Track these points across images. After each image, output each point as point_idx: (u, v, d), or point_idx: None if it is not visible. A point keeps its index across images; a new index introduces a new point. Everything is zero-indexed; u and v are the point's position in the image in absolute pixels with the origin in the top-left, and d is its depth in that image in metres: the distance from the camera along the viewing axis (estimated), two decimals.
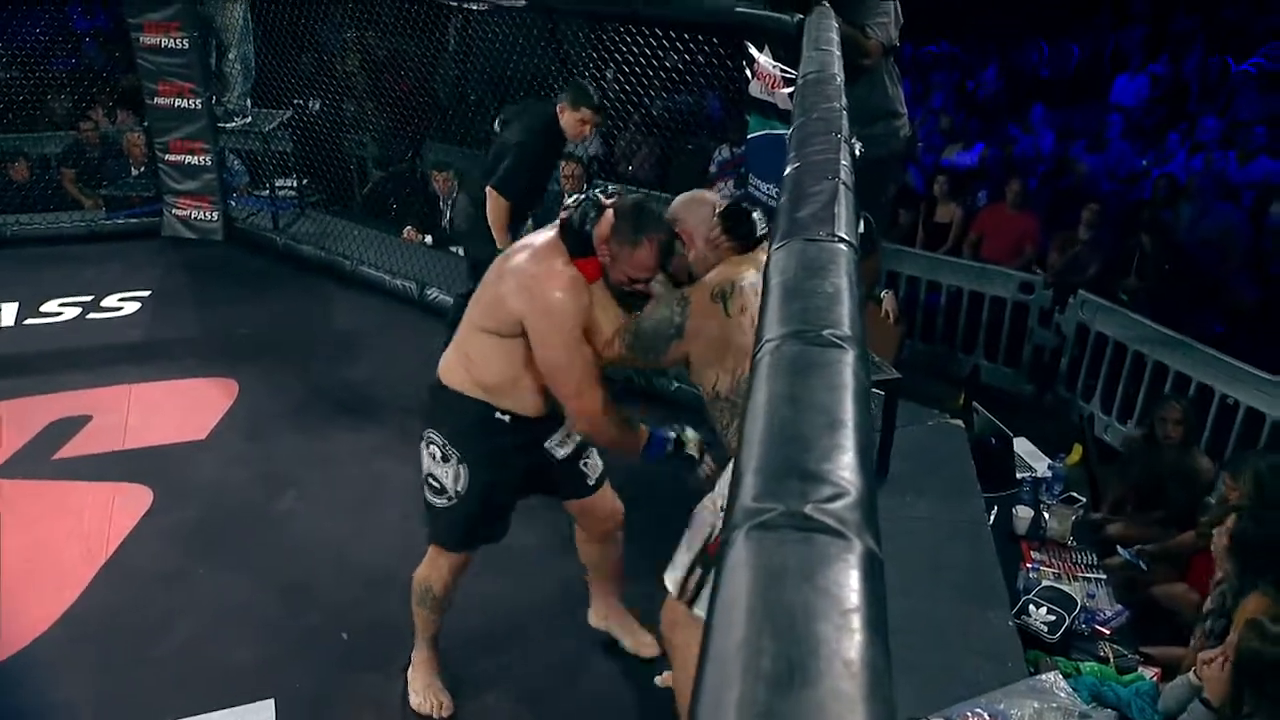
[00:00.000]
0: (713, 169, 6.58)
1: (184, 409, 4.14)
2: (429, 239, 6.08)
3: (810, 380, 0.74)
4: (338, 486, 3.60)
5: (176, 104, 5.98)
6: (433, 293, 5.21)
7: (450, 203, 6.12)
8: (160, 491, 3.52)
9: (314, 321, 5.04)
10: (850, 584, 0.54)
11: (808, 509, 0.59)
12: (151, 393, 4.28)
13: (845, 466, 0.64)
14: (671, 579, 2.09)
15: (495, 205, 3.85)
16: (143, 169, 6.42)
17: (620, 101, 5.05)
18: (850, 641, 0.50)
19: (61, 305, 5.23)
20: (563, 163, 5.68)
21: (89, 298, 5.31)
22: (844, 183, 1.14)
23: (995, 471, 3.82)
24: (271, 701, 2.59)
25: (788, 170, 1.27)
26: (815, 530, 0.58)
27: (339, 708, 2.64)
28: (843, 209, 1.08)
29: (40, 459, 3.76)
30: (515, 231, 3.85)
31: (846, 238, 1.01)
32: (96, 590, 3.05)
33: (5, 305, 5.18)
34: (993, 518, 3.53)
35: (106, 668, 2.73)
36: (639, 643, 2.76)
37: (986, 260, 6.12)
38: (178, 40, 5.85)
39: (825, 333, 0.80)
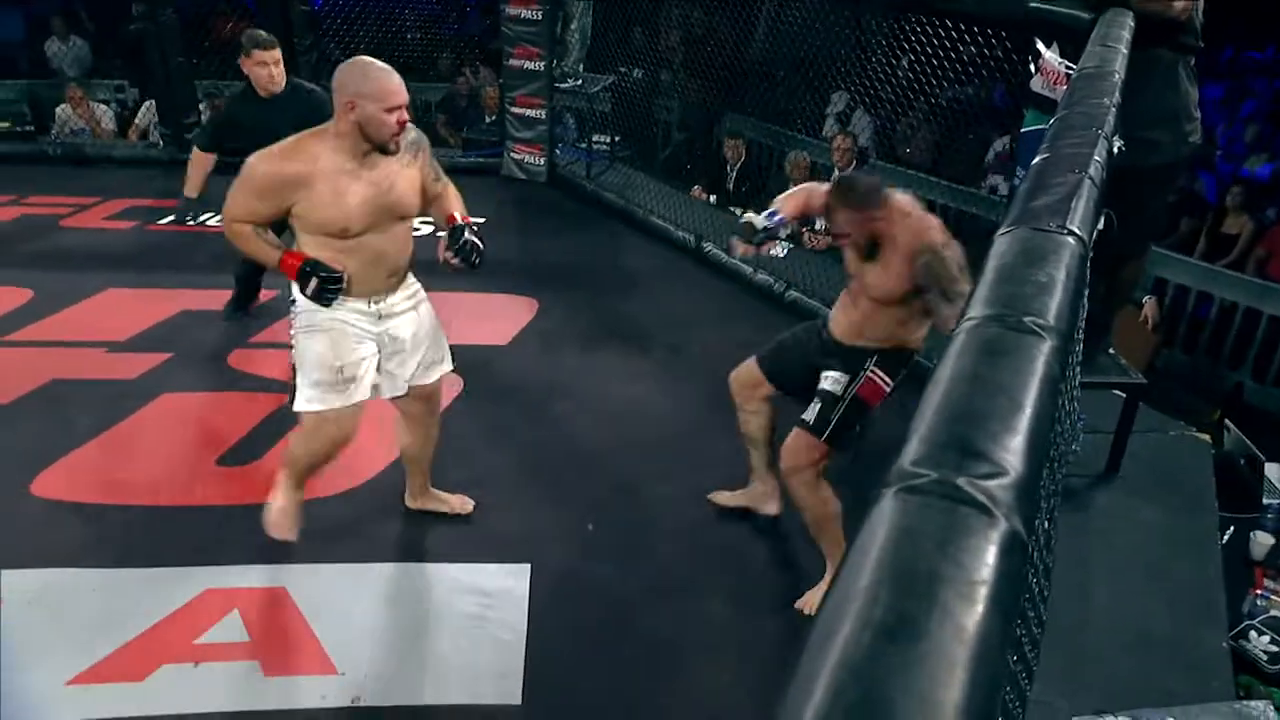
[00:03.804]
0: (989, 158, 6.10)
1: (494, 318, 4.50)
2: (713, 199, 6.12)
3: (998, 362, 0.68)
4: (603, 401, 3.77)
5: (525, 65, 6.39)
6: (708, 246, 5.25)
7: (737, 168, 6.12)
8: (469, 381, 3.85)
9: (607, 258, 5.26)
10: (984, 559, 0.49)
11: (959, 481, 0.54)
12: (471, 301, 4.66)
13: (1011, 449, 0.59)
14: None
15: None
16: (494, 118, 6.95)
17: (909, 88, 4.81)
18: (968, 611, 0.46)
19: (421, 223, 5.80)
20: (838, 136, 5.50)
21: None
22: (1090, 178, 1.02)
23: (1239, 492, 3.32)
24: (529, 566, 2.78)
25: (1036, 160, 1.14)
26: (961, 502, 0.53)
27: (582, 580, 2.81)
28: (1082, 203, 0.96)
29: None
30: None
31: (1078, 232, 0.90)
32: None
33: None
34: (1226, 537, 3.08)
35: (407, 513, 3.05)
36: None
37: (1273, 278, 5.25)
38: (534, 12, 6.22)
39: (1026, 319, 0.72)
